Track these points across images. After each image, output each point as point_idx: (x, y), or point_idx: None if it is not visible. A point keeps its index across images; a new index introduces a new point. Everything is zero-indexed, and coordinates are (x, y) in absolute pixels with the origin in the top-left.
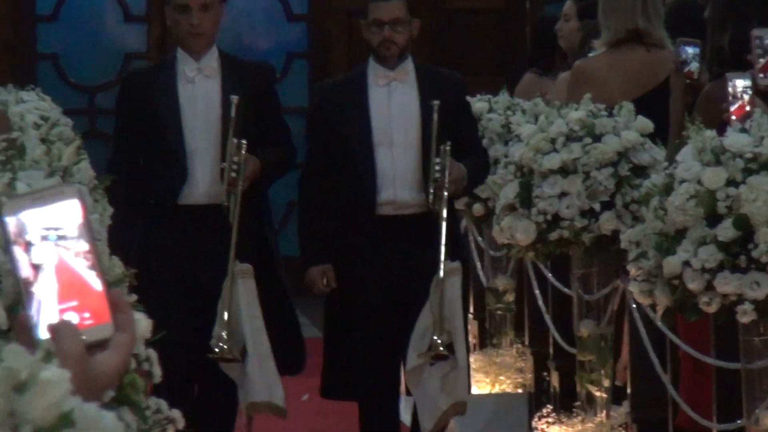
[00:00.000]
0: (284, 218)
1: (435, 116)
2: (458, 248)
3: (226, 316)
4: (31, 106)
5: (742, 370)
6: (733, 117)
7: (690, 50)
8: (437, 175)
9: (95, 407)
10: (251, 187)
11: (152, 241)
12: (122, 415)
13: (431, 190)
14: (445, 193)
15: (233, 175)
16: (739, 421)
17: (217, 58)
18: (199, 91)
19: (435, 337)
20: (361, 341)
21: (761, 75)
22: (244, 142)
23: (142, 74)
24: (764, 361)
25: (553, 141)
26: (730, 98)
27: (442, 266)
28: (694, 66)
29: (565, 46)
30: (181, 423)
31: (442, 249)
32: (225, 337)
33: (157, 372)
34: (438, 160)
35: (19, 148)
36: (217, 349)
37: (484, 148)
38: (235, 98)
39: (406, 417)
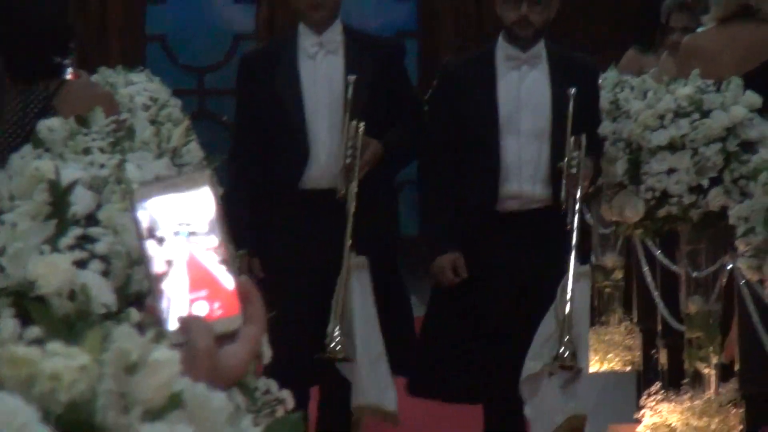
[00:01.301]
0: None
1: (571, 105)
2: (588, 249)
3: (339, 312)
4: (140, 88)
5: None
6: None
7: None
8: (573, 170)
9: (205, 388)
10: (374, 172)
11: (273, 227)
12: (232, 396)
13: (564, 185)
14: (579, 191)
15: (349, 160)
16: None
17: (341, 32)
18: (322, 68)
19: (561, 349)
20: (476, 343)
21: None
22: (362, 124)
23: (262, 52)
24: None
25: (661, 117)
26: None
27: (572, 270)
28: None
29: None
30: (291, 404)
31: (573, 252)
32: (337, 335)
33: (267, 353)
34: (575, 154)
35: (129, 129)
36: (329, 350)
37: (600, 139)
38: (352, 78)
39: None
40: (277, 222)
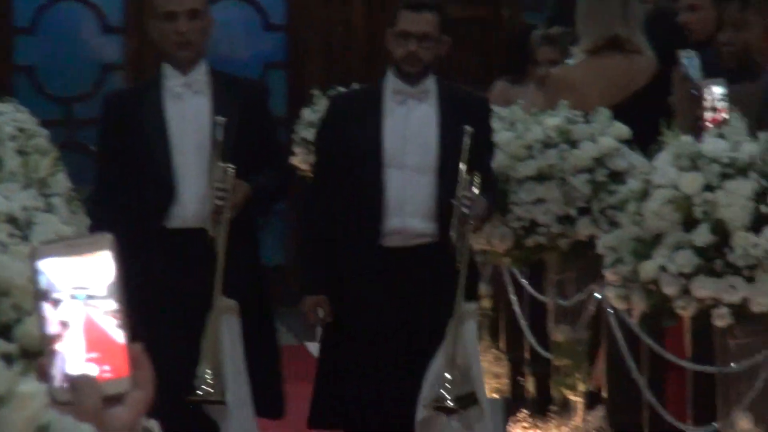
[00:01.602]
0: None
1: (466, 142)
2: (476, 287)
3: (210, 354)
4: (8, 118)
5: (718, 374)
6: (710, 124)
7: (695, 61)
8: (464, 209)
9: (71, 419)
10: (242, 215)
11: (138, 268)
12: None
13: (454, 224)
14: (468, 231)
15: (220, 202)
16: (714, 424)
17: (206, 73)
18: (188, 109)
19: (442, 391)
20: (362, 378)
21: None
22: (231, 166)
23: (126, 92)
24: (739, 364)
25: (529, 148)
26: (707, 105)
27: (459, 311)
28: (698, 75)
29: (700, 38)
30: None
31: (461, 291)
32: (209, 378)
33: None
34: (466, 193)
35: None
36: (200, 392)
37: (495, 177)
38: (221, 119)
39: None
40: (142, 264)
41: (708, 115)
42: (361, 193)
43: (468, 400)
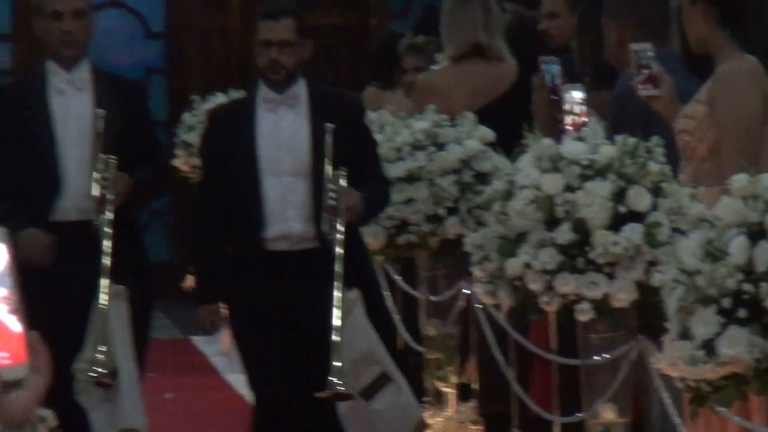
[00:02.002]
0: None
1: (329, 140)
2: (362, 275)
3: (97, 338)
4: None
5: (582, 366)
6: (569, 127)
7: (555, 67)
8: (331, 202)
9: None
10: (125, 207)
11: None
12: None
13: (324, 217)
14: (339, 223)
15: (102, 192)
16: (579, 414)
17: (89, 70)
18: (71, 104)
19: (330, 378)
20: (267, 382)
21: (641, 87)
22: (113, 158)
23: (9, 89)
24: (602, 357)
25: (399, 150)
26: (567, 109)
27: (336, 299)
28: (559, 81)
29: (560, 44)
30: (53, 422)
31: (337, 284)
32: (99, 360)
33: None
34: (332, 186)
35: None
36: (93, 374)
37: (383, 175)
38: (101, 112)
39: None
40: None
41: (568, 118)
42: (243, 202)
43: (382, 380)
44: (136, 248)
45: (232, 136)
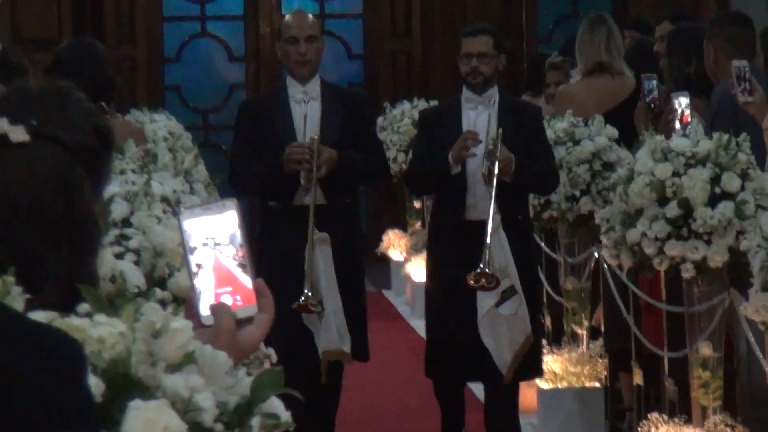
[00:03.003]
0: None
1: (500, 133)
2: (526, 243)
3: (310, 276)
4: (161, 125)
5: (686, 313)
6: (678, 126)
7: (653, 83)
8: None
9: (210, 348)
10: (341, 186)
11: (268, 235)
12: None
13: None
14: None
15: (308, 175)
16: (683, 350)
17: (319, 84)
18: (307, 110)
19: (306, 291)
20: (441, 327)
21: (740, 95)
22: (316, 135)
23: (257, 100)
24: (702, 306)
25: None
26: (676, 112)
27: (491, 224)
28: (655, 94)
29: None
30: (275, 358)
31: (493, 202)
32: (307, 291)
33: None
34: (494, 139)
35: (153, 155)
36: (302, 299)
37: (548, 162)
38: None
39: None
40: (271, 230)
41: (676, 119)
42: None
43: (510, 291)
44: (355, 231)
45: (442, 128)
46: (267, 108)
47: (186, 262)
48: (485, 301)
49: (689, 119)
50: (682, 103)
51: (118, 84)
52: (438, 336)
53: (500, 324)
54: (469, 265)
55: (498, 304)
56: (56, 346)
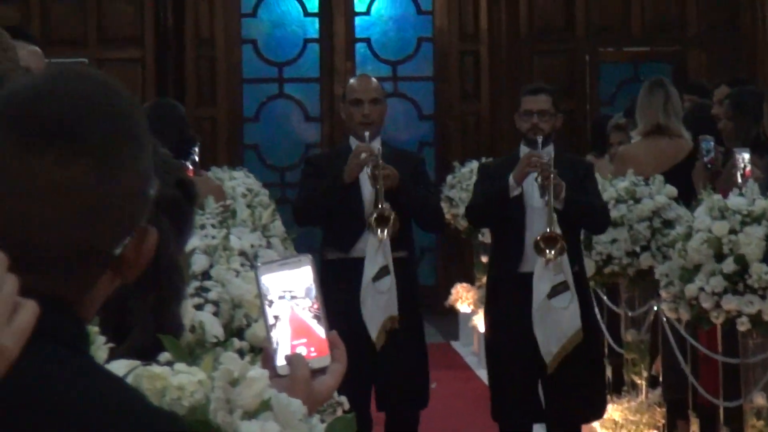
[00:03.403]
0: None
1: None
2: (583, 296)
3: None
4: (240, 182)
5: (741, 364)
6: (740, 180)
7: (711, 144)
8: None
9: (285, 396)
10: (398, 236)
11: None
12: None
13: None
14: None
15: (376, 172)
16: (738, 401)
17: (381, 144)
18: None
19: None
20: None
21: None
22: (377, 150)
23: (321, 155)
24: (756, 357)
25: (606, 203)
26: (740, 166)
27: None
28: (713, 154)
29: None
30: (347, 406)
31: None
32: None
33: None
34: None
35: (232, 211)
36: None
37: (596, 200)
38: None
39: None
40: (332, 281)
41: (739, 174)
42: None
43: (562, 286)
44: (409, 253)
45: (501, 180)
46: (332, 160)
47: (263, 314)
48: (540, 290)
49: (751, 174)
50: (744, 158)
51: (198, 142)
52: (502, 380)
53: (551, 315)
54: (525, 315)
55: (550, 296)
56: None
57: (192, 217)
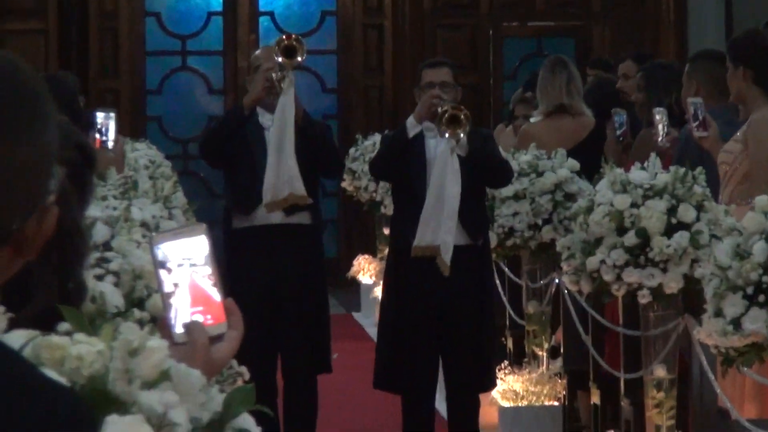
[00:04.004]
0: None
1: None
2: (485, 267)
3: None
4: (142, 153)
5: (642, 336)
6: (661, 137)
7: (623, 117)
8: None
9: (185, 366)
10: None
11: (233, 258)
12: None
13: None
14: None
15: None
16: (639, 372)
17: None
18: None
19: None
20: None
21: (695, 130)
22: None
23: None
24: (657, 330)
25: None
26: (657, 125)
27: None
28: (625, 128)
29: (630, 98)
30: (247, 376)
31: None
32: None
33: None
34: None
35: (133, 183)
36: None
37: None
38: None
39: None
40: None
41: (662, 129)
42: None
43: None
44: (317, 214)
45: (406, 154)
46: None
47: (158, 283)
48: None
49: (668, 134)
50: (663, 114)
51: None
52: (402, 349)
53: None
54: (426, 285)
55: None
56: (63, 406)
57: (92, 182)
